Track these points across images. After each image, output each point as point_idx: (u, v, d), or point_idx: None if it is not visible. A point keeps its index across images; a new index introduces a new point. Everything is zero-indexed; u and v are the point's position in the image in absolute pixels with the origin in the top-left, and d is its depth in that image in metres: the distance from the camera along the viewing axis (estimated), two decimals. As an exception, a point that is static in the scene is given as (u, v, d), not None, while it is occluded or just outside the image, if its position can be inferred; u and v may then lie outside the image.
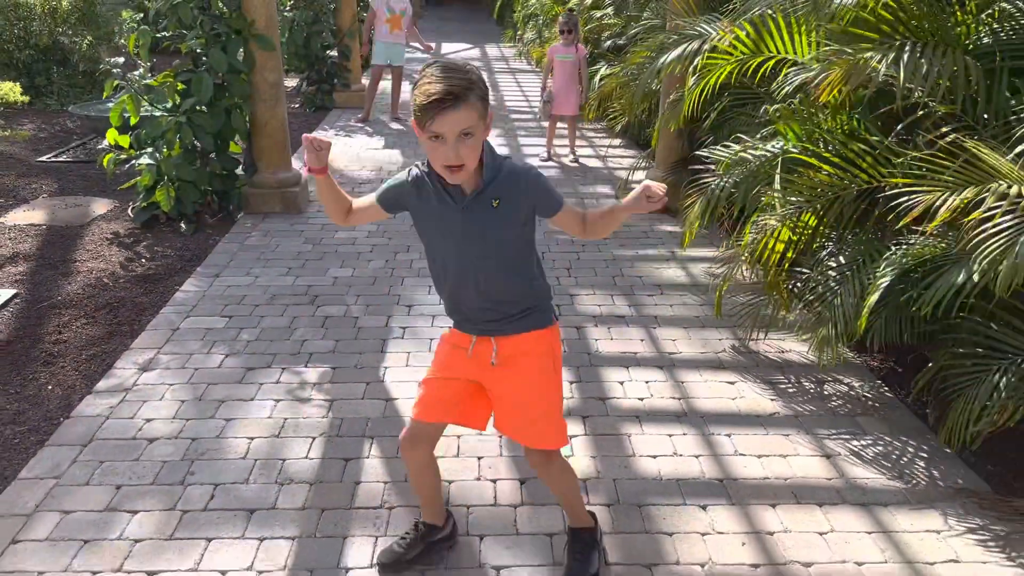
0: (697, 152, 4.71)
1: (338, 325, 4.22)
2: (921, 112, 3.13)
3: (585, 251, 5.32)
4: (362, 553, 2.59)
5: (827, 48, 3.28)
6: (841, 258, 3.43)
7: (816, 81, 3.08)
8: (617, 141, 8.53)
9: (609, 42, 8.49)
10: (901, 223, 2.65)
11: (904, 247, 3.02)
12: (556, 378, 2.33)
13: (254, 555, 2.58)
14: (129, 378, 3.65)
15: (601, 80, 8.08)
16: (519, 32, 15.58)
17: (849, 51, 3.01)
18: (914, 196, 2.59)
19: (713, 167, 4.11)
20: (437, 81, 1.92)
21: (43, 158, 7.56)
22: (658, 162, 6.24)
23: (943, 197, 2.45)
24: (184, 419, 3.33)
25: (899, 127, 3.19)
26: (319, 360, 3.84)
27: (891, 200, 2.93)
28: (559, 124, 7.91)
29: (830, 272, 3.39)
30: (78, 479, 2.93)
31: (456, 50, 16.41)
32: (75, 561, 2.54)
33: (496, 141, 8.53)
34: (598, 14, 8.60)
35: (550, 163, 7.73)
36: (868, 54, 2.92)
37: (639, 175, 6.66)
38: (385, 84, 10.28)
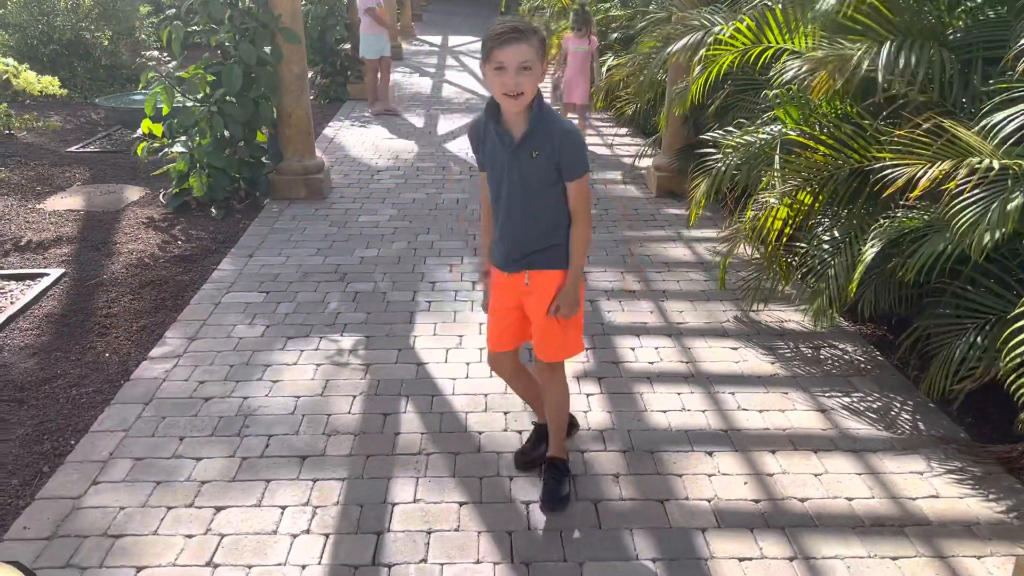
0: (702, 136, 5.02)
1: (368, 300, 4.53)
2: (902, 100, 3.42)
3: (596, 232, 5.62)
4: (405, 491, 2.90)
5: (818, 47, 3.57)
6: (835, 232, 3.73)
7: (806, 80, 3.38)
8: (624, 129, 8.82)
9: (616, 34, 8.77)
10: (886, 193, 2.95)
11: (890, 220, 3.32)
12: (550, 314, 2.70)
13: (309, 494, 2.90)
14: (180, 346, 3.97)
15: (608, 70, 8.38)
16: (525, 24, 15.82)
17: (836, 49, 3.31)
18: (898, 169, 2.89)
19: (717, 151, 4.41)
20: (505, 23, 2.35)
21: (72, 148, 7.88)
22: (664, 148, 6.53)
23: (923, 169, 2.76)
24: (235, 381, 3.65)
25: (884, 114, 3.49)
26: (353, 330, 4.16)
27: (879, 176, 3.23)
28: (569, 114, 8.19)
29: (825, 246, 3.70)
30: (144, 432, 3.25)
31: (462, 42, 16.70)
32: (151, 498, 2.86)
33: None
34: (606, 6, 8.88)
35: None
36: (853, 52, 3.22)
37: (646, 162, 6.96)
38: (399, 78, 10.54)
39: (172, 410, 3.42)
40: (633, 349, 3.96)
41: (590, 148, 8.14)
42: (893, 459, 3.10)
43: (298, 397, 3.52)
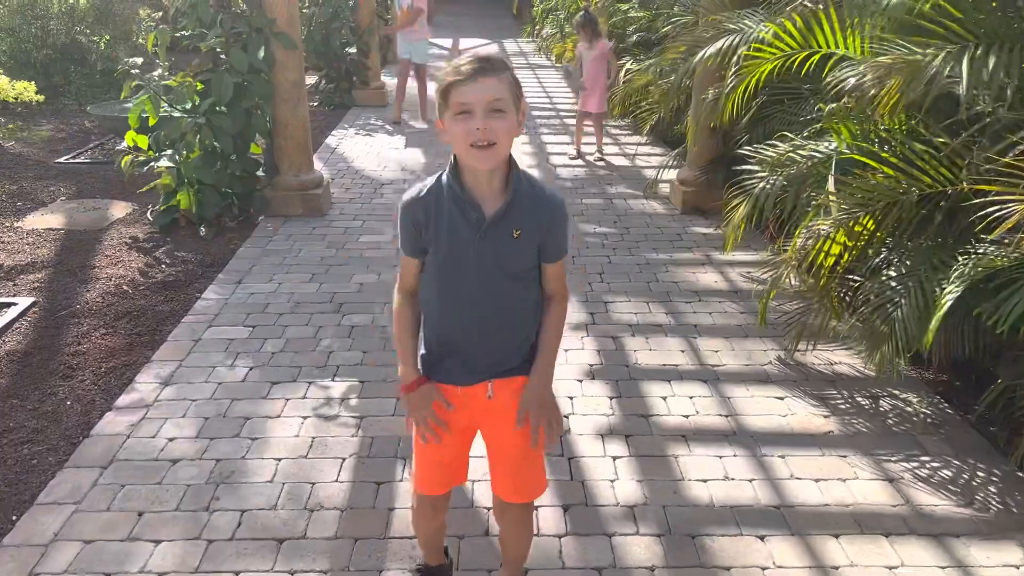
0: (739, 151, 4.52)
1: (365, 335, 4.06)
2: (988, 119, 2.92)
3: (616, 255, 5.13)
4: (399, 589, 2.43)
5: (887, 50, 3.07)
6: (901, 267, 3.22)
7: (871, 89, 2.88)
8: (643, 138, 8.32)
9: (635, 36, 8.27)
10: (994, 233, 2.45)
11: (973, 257, 2.82)
12: (532, 448, 2.10)
13: (284, 590, 2.43)
14: (150, 393, 3.51)
15: (627, 76, 7.88)
16: (537, 27, 15.38)
17: (908, 55, 2.81)
18: (1005, 206, 2.39)
19: (756, 167, 3.92)
20: (470, 58, 1.80)
21: (61, 159, 7.45)
22: (690, 161, 6.03)
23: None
24: (208, 438, 3.18)
25: (964, 135, 2.98)
26: (346, 373, 3.68)
27: (960, 207, 2.73)
28: (585, 121, 7.71)
29: (889, 282, 3.19)
30: (98, 504, 2.79)
31: (473, 45, 16.20)
32: (95, 597, 2.40)
33: (518, 139, 8.32)
34: (624, 7, 8.39)
35: (577, 162, 7.53)
36: (928, 60, 2.71)
37: (670, 174, 6.46)
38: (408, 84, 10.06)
39: (133, 476, 2.95)
40: (664, 399, 3.47)
41: (608, 158, 7.64)
42: (981, 547, 2.59)
43: (279, 460, 3.04)
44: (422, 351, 2.07)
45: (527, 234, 1.90)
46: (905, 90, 2.75)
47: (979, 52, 2.81)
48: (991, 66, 2.74)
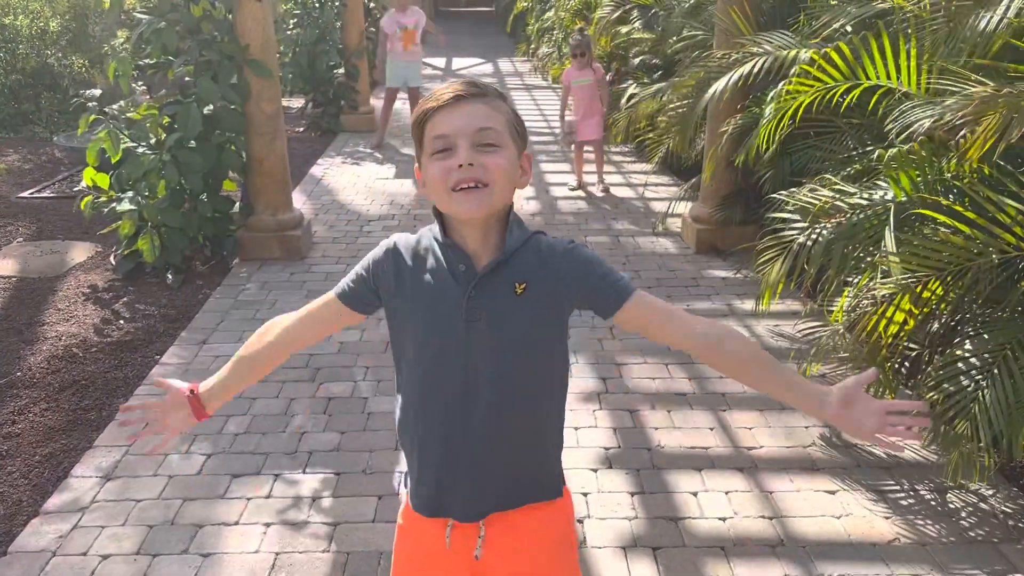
0: (766, 194, 4.01)
1: (344, 410, 3.52)
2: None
3: (628, 304, 4.60)
4: None
5: (950, 85, 2.57)
6: (977, 341, 2.70)
7: (955, 130, 2.38)
8: (649, 166, 7.82)
9: (639, 59, 7.80)
10: None
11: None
12: (574, 553, 1.58)
13: None
14: (87, 492, 2.97)
15: (630, 102, 7.40)
16: (532, 46, 14.93)
17: (1008, 90, 2.30)
18: None
19: (793, 214, 3.41)
20: (452, 81, 1.40)
21: (24, 194, 6.93)
22: (704, 196, 5.52)
23: None
24: (150, 554, 2.64)
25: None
26: (320, 462, 3.15)
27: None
28: (586, 149, 7.20)
29: (967, 358, 2.67)
30: (3, 657, 2.25)
31: (467, 65, 15.79)
32: None
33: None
34: (625, 29, 7.91)
35: (579, 192, 7.02)
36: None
37: (681, 207, 5.95)
38: (400, 107, 9.58)
39: (53, 611, 2.41)
40: (695, 495, 2.93)
41: (613, 188, 7.13)
42: None
43: (233, 587, 2.50)
44: (410, 470, 1.53)
45: (537, 290, 1.39)
46: (1004, 132, 2.23)
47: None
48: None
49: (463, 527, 1.47)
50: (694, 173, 6.08)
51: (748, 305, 4.57)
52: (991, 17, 2.47)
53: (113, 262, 5.24)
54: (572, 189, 7.10)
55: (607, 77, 7.45)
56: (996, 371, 2.55)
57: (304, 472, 3.08)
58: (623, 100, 7.64)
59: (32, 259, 5.40)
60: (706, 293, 4.81)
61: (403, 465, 1.57)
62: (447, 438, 1.44)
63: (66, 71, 9.22)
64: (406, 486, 1.55)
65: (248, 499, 2.92)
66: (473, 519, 1.46)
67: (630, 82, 7.82)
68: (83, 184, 5.21)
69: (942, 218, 2.70)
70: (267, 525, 2.78)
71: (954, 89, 2.61)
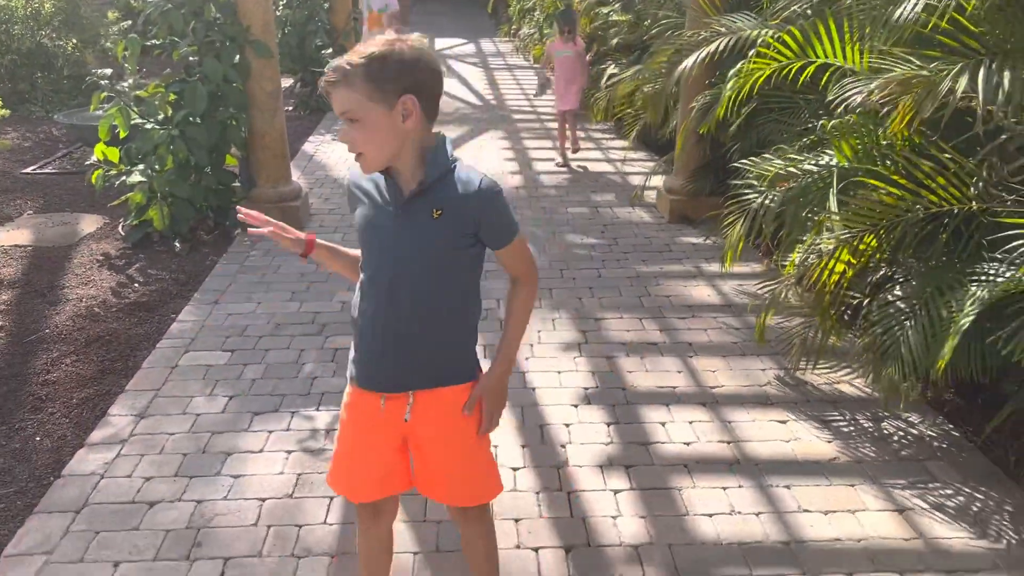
0: (728, 159, 4.41)
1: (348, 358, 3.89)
2: (1005, 136, 2.82)
3: (606, 267, 5.01)
4: (395, 645, 2.28)
5: (888, 63, 2.96)
6: (907, 287, 3.12)
7: (882, 103, 2.78)
8: (626, 143, 8.21)
9: (617, 40, 8.16)
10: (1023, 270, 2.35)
11: (987, 280, 2.72)
12: (480, 434, 2.02)
13: (273, 649, 2.27)
14: (125, 427, 3.33)
15: (609, 80, 7.77)
16: (514, 27, 15.23)
17: (922, 72, 2.70)
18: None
19: (753, 181, 3.81)
20: (331, 65, 1.75)
21: (27, 170, 7.20)
22: (677, 169, 5.92)
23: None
24: (187, 476, 3.02)
25: (984, 151, 2.88)
26: (331, 401, 3.53)
27: (968, 226, 2.63)
28: (565, 124, 7.57)
29: (894, 302, 3.09)
30: (71, 555, 2.62)
31: (449, 45, 16.03)
32: (69, 662, 2.24)
33: (498, 144, 8.20)
34: (605, 10, 8.27)
35: (563, 170, 7.39)
36: (946, 75, 2.61)
37: (656, 181, 6.35)
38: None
39: (108, 521, 2.78)
40: (663, 424, 3.35)
41: (590, 164, 7.52)
42: (1001, 584, 2.50)
43: (263, 500, 2.88)
44: (353, 352, 1.98)
45: (450, 216, 1.79)
46: (919, 108, 2.64)
47: (994, 67, 2.71)
48: (1007, 81, 2.65)
49: (394, 398, 1.90)
50: (669, 148, 6.46)
51: (715, 268, 4.99)
52: (901, 10, 2.87)
53: (122, 232, 5.57)
54: (559, 165, 7.45)
55: (584, 50, 7.80)
56: (920, 311, 2.97)
57: (318, 409, 3.46)
58: (603, 80, 8.01)
59: (44, 229, 5.71)
60: (677, 258, 5.21)
61: (352, 354, 1.98)
62: (376, 319, 1.87)
63: (60, 51, 9.43)
64: (352, 368, 1.97)
65: (270, 432, 3.30)
66: (401, 390, 1.90)
67: (609, 62, 8.18)
68: (93, 158, 5.51)
69: (874, 182, 3.10)
70: (288, 452, 3.17)
71: (886, 67, 3.01)
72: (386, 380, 1.91)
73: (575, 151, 7.52)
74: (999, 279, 2.68)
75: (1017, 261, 2.67)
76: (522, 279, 1.97)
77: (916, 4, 2.86)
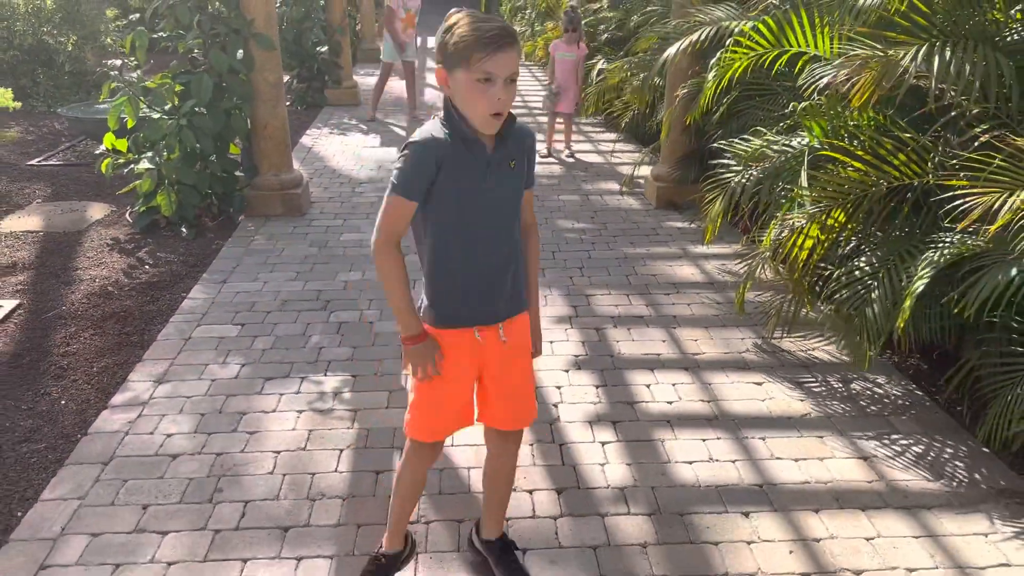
0: (712, 147, 4.66)
1: (353, 331, 4.14)
2: (955, 112, 3.08)
3: (595, 249, 5.26)
4: (404, 572, 2.52)
5: (853, 52, 3.22)
6: (872, 257, 3.38)
7: (846, 84, 3.03)
8: (616, 135, 8.47)
9: (606, 35, 8.41)
10: (961, 225, 2.61)
11: (940, 246, 2.98)
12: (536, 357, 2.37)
13: (292, 576, 2.51)
14: (144, 391, 3.56)
15: (599, 75, 8.02)
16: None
17: (879, 52, 2.96)
18: (968, 198, 2.55)
19: (731, 161, 4.06)
20: (486, 21, 1.86)
21: (33, 161, 7.40)
22: (663, 157, 6.18)
23: (1002, 198, 2.41)
24: (206, 433, 3.25)
25: (931, 129, 3.14)
26: (338, 368, 3.76)
27: (927, 199, 2.89)
28: (557, 120, 7.84)
29: (860, 271, 3.35)
30: (103, 499, 2.85)
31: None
32: (108, 587, 2.46)
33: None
34: (594, 7, 8.52)
35: (550, 159, 7.65)
36: (901, 55, 2.87)
37: (644, 170, 6.60)
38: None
39: (135, 471, 3.01)
40: (648, 386, 3.60)
41: (583, 155, 7.78)
42: (952, 518, 2.76)
43: (278, 452, 3.12)
44: (427, 303, 2.14)
45: (519, 163, 2.07)
46: (877, 85, 2.90)
47: (946, 48, 2.97)
48: (957, 61, 2.90)
49: (487, 329, 2.15)
50: (656, 139, 6.71)
51: (700, 249, 5.24)
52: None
53: (130, 218, 5.79)
54: (543, 156, 7.72)
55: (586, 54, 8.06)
56: (883, 278, 3.23)
57: (326, 375, 3.69)
58: (593, 74, 8.26)
59: (54, 216, 5.92)
60: (664, 241, 5.47)
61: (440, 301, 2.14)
62: (481, 262, 2.07)
63: (61, 47, 9.63)
64: (442, 318, 2.15)
65: (281, 395, 3.53)
66: (499, 320, 2.16)
67: (599, 58, 8.44)
68: (102, 148, 5.72)
69: (842, 157, 3.36)
70: (299, 412, 3.40)
71: (852, 52, 3.26)
72: (490, 314, 2.14)
73: (570, 155, 7.75)
74: (952, 245, 2.93)
75: (970, 228, 2.92)
76: (534, 225, 2.27)
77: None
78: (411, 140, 2.00)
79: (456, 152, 1.97)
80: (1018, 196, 2.38)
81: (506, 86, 1.87)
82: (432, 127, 2.00)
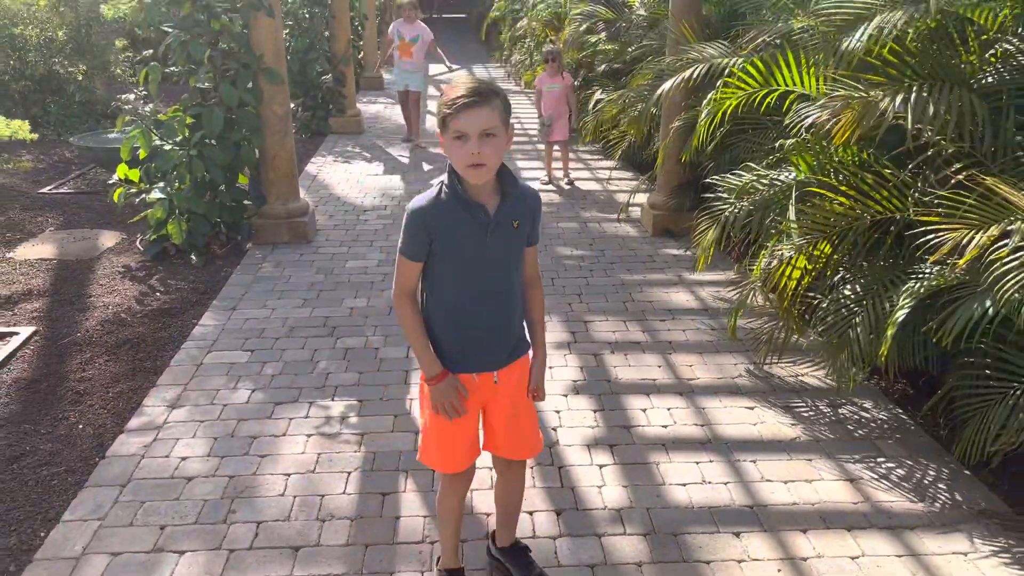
0: (706, 180, 4.83)
1: (360, 357, 4.28)
2: (932, 150, 3.25)
3: (594, 276, 5.42)
4: (411, 588, 2.65)
5: (837, 92, 3.39)
6: (856, 286, 3.53)
7: (828, 124, 3.20)
8: (613, 163, 8.66)
9: (604, 66, 8.63)
10: (932, 259, 2.76)
11: (920, 277, 3.13)
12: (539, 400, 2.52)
13: (304, 593, 2.63)
14: (159, 416, 3.70)
15: (596, 105, 8.22)
16: (506, 53, 15.74)
17: (860, 93, 3.14)
18: (940, 233, 2.71)
19: (724, 194, 4.22)
20: (464, 85, 2.06)
21: (45, 190, 7.58)
22: (659, 186, 6.35)
23: (970, 235, 2.57)
24: (219, 456, 3.38)
25: (911, 165, 3.31)
26: (345, 393, 3.90)
27: (907, 231, 3.04)
28: (554, 148, 8.04)
29: (846, 300, 3.50)
30: (122, 520, 2.98)
31: (443, 71, 16.48)
32: (129, 604, 2.59)
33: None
34: (593, 39, 8.74)
35: (549, 187, 7.84)
36: (880, 97, 3.04)
37: (641, 198, 6.78)
38: (384, 111, 10.32)
39: (152, 493, 3.14)
40: (644, 411, 3.74)
41: (581, 183, 7.97)
42: (933, 538, 2.89)
43: (288, 475, 3.25)
44: (447, 352, 2.31)
45: (523, 224, 2.24)
46: (858, 124, 3.07)
47: (924, 91, 3.14)
48: (934, 103, 3.07)
49: (485, 374, 2.32)
50: (652, 166, 6.89)
51: (695, 276, 5.40)
52: (849, 41, 3.31)
53: (141, 246, 5.95)
54: (544, 183, 7.91)
55: (574, 83, 8.28)
56: (867, 306, 3.38)
57: (333, 400, 3.83)
58: (591, 104, 8.46)
59: (67, 244, 6.08)
60: (660, 268, 5.62)
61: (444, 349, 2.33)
62: (481, 320, 2.26)
63: (71, 77, 9.85)
64: (446, 359, 2.32)
65: (290, 419, 3.67)
66: (498, 367, 2.32)
67: (596, 88, 8.64)
68: (115, 178, 5.90)
69: (828, 193, 3.52)
70: (308, 436, 3.54)
71: (836, 92, 3.44)
72: (489, 362, 2.32)
73: (568, 183, 7.94)
74: (931, 276, 3.08)
75: (946, 261, 3.08)
76: (537, 279, 2.44)
77: (862, 34, 3.30)
78: (410, 205, 2.21)
79: (455, 216, 2.16)
80: (984, 232, 2.54)
81: (481, 140, 2.05)
82: (435, 190, 2.20)
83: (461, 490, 2.55)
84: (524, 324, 2.40)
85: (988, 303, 2.67)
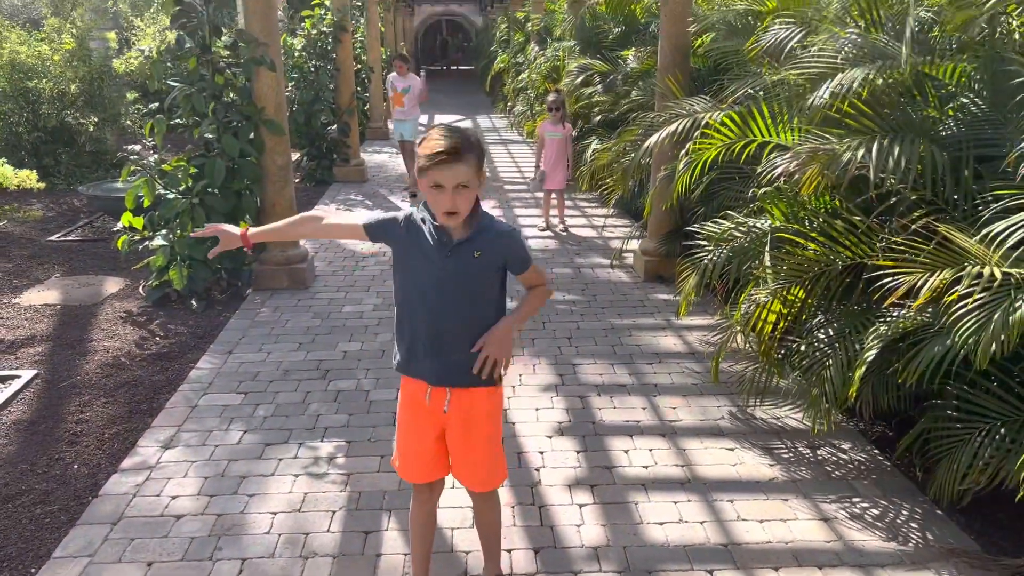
0: (688, 228, 4.97)
1: (350, 399, 4.38)
2: (895, 199, 3.38)
3: (584, 320, 5.53)
4: (388, 624, 2.71)
5: (804, 144, 3.54)
6: (829, 329, 3.64)
7: (795, 176, 3.34)
8: (609, 210, 8.82)
9: (599, 117, 8.85)
10: (887, 302, 2.87)
11: (887, 320, 3.23)
12: (499, 426, 2.60)
13: (284, 628, 2.70)
14: (152, 456, 3.79)
15: (593, 154, 8.42)
16: (509, 104, 16.09)
17: (825, 145, 3.28)
18: (898, 276, 2.82)
19: (703, 241, 4.35)
20: (440, 139, 2.22)
21: (53, 237, 7.78)
22: (650, 232, 6.50)
23: (924, 278, 2.68)
24: (208, 495, 3.47)
25: (876, 212, 3.43)
26: (334, 434, 3.99)
27: (878, 282, 3.15)
28: (551, 196, 8.22)
29: (819, 343, 3.60)
30: (110, 557, 3.06)
31: (449, 121, 16.88)
32: (113, 638, 2.66)
33: (490, 211, 8.79)
34: (588, 91, 8.98)
35: (546, 233, 7.99)
36: (842, 150, 3.18)
37: (633, 244, 6.92)
38: (387, 160, 10.57)
39: (141, 531, 3.22)
40: (627, 452, 3.81)
41: (577, 231, 8.13)
42: (903, 575, 2.94)
43: (275, 513, 3.33)
44: (401, 352, 2.51)
45: (486, 256, 2.37)
46: (824, 174, 3.20)
47: (886, 142, 3.29)
48: (896, 153, 3.21)
49: (436, 391, 2.45)
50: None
51: (683, 321, 5.50)
52: (813, 97, 3.47)
53: (143, 292, 6.10)
54: (541, 230, 8.08)
55: (572, 133, 8.50)
56: (839, 348, 3.47)
57: (322, 441, 3.92)
58: (587, 153, 8.66)
59: (72, 290, 6.24)
60: (650, 312, 5.73)
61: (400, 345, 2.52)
62: (427, 328, 2.41)
63: (83, 129, 10.14)
64: (400, 364, 2.52)
65: (280, 459, 3.76)
66: (442, 384, 2.45)
67: (592, 138, 8.85)
68: (119, 225, 6.08)
69: (800, 240, 3.64)
70: (295, 476, 3.62)
71: (805, 144, 3.58)
72: (430, 375, 2.45)
73: (564, 229, 8.13)
74: (897, 319, 3.19)
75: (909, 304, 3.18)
76: (540, 285, 2.60)
77: (825, 91, 3.46)
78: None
79: (423, 233, 2.37)
80: (937, 276, 2.65)
81: (456, 191, 2.23)
82: (424, 210, 2.40)
83: (424, 502, 2.67)
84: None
85: (948, 343, 2.76)
